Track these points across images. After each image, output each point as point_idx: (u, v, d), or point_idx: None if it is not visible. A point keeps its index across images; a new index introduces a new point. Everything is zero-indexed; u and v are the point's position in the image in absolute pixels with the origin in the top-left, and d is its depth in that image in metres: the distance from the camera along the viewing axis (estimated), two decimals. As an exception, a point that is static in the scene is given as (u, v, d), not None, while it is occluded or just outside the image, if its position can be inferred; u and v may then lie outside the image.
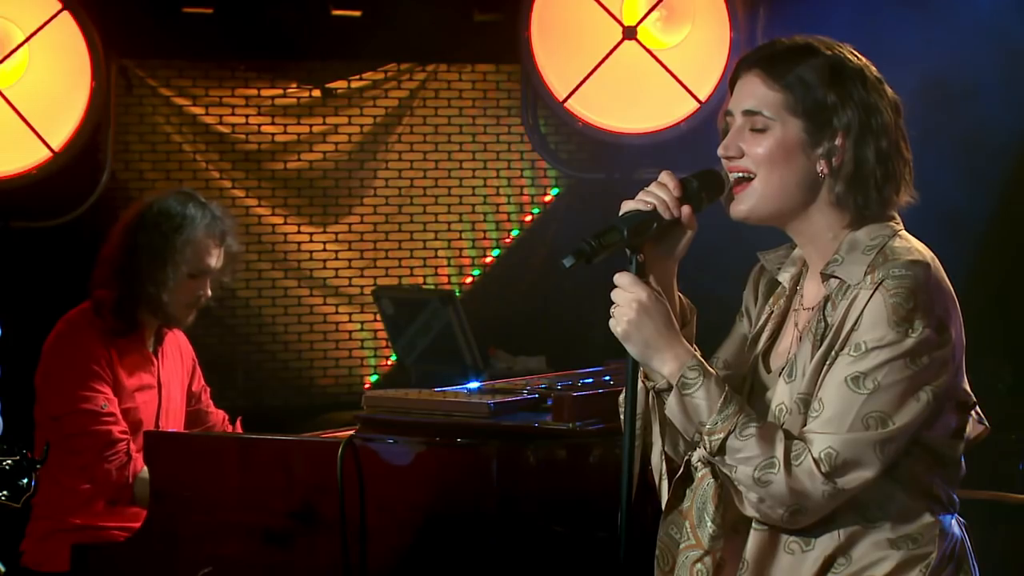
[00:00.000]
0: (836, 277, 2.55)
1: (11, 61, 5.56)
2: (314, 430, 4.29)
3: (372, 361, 6.69)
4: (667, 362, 2.54)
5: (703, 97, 5.64)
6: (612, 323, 2.57)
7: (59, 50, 5.60)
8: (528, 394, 3.79)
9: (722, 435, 2.48)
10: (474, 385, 4.15)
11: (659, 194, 2.61)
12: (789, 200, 2.59)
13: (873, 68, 2.62)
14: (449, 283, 6.73)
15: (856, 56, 2.63)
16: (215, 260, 4.35)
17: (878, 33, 5.45)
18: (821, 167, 2.57)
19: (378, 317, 6.14)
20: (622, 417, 2.65)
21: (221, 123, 6.47)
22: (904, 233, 2.59)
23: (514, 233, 6.78)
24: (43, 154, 5.58)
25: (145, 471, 4.14)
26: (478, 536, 3.51)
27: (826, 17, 5.65)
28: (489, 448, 3.51)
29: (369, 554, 3.55)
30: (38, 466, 3.46)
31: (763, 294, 2.76)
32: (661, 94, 5.71)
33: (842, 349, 2.48)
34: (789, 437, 2.47)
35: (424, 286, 6.67)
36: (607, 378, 4.09)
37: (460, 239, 6.75)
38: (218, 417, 4.59)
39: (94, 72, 5.59)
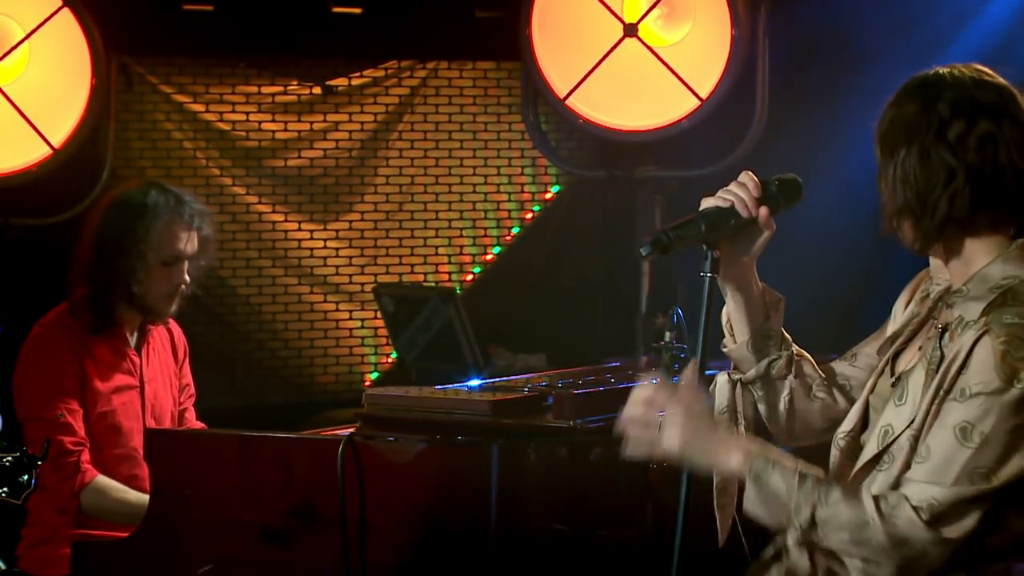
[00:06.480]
0: (956, 309, 2.55)
1: (11, 58, 5.55)
2: (314, 428, 4.28)
3: (372, 359, 6.69)
4: (732, 458, 2.53)
5: (704, 95, 5.63)
6: (665, 442, 2.55)
7: (59, 47, 5.59)
8: (529, 392, 3.79)
9: (809, 510, 2.47)
10: (475, 383, 4.15)
11: (738, 192, 2.66)
12: None
13: None
14: (450, 280, 6.73)
15: None
16: (185, 244, 4.27)
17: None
18: None
19: (378, 314, 6.14)
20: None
21: (221, 120, 6.47)
22: None
23: (515, 231, 6.78)
24: (43, 151, 5.57)
25: (98, 482, 4.14)
26: (478, 534, 3.51)
27: (827, 14, 5.67)
28: (490, 446, 3.50)
29: (369, 552, 3.54)
30: (39, 463, 3.46)
31: (918, 299, 2.76)
32: (662, 91, 5.70)
33: (948, 393, 2.46)
34: (878, 493, 2.46)
35: (425, 283, 6.66)
36: (608, 376, 4.09)
37: (461, 236, 6.75)
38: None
39: (94, 69, 5.58)
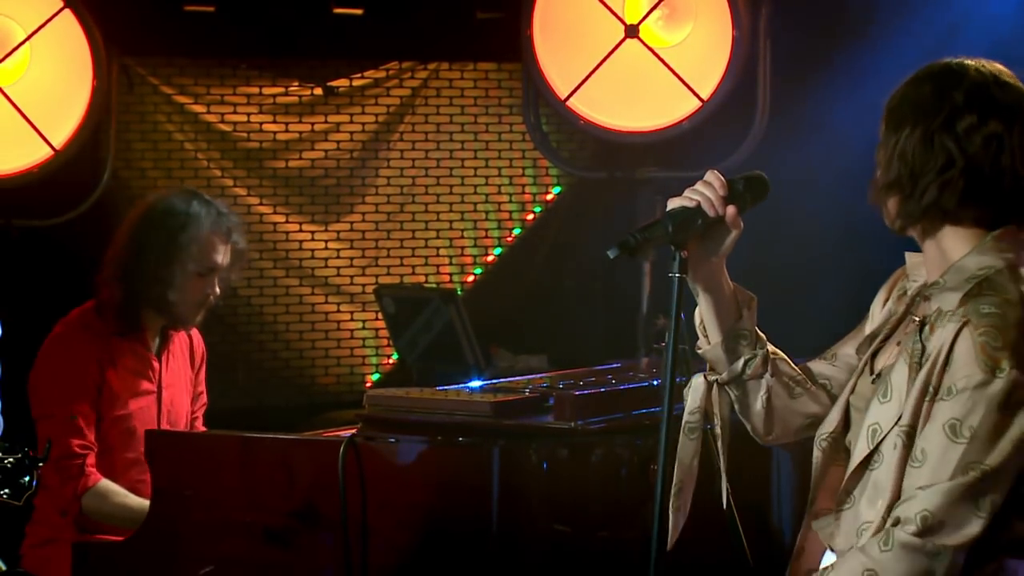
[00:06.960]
0: (933, 302, 2.55)
1: (12, 59, 5.55)
2: (315, 429, 4.28)
3: (373, 360, 6.69)
4: None
5: (705, 96, 5.63)
6: None
7: (61, 48, 5.59)
8: (530, 393, 3.79)
9: None
10: (476, 384, 4.15)
11: (704, 192, 2.65)
12: None
13: None
14: (451, 281, 6.73)
15: None
16: (222, 257, 4.32)
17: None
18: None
19: (380, 315, 6.14)
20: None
21: (222, 121, 6.47)
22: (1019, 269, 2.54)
23: (516, 231, 6.78)
24: (44, 152, 5.57)
25: (101, 485, 4.14)
26: (480, 535, 3.51)
27: (829, 14, 5.66)
28: (491, 447, 3.50)
29: (370, 553, 3.54)
30: (40, 464, 3.46)
31: (895, 297, 2.76)
32: (663, 92, 5.69)
33: (936, 393, 2.47)
34: (861, 547, 2.47)
35: (426, 284, 6.66)
36: (609, 377, 4.09)
37: (462, 237, 6.75)
38: None
39: (95, 70, 5.58)
